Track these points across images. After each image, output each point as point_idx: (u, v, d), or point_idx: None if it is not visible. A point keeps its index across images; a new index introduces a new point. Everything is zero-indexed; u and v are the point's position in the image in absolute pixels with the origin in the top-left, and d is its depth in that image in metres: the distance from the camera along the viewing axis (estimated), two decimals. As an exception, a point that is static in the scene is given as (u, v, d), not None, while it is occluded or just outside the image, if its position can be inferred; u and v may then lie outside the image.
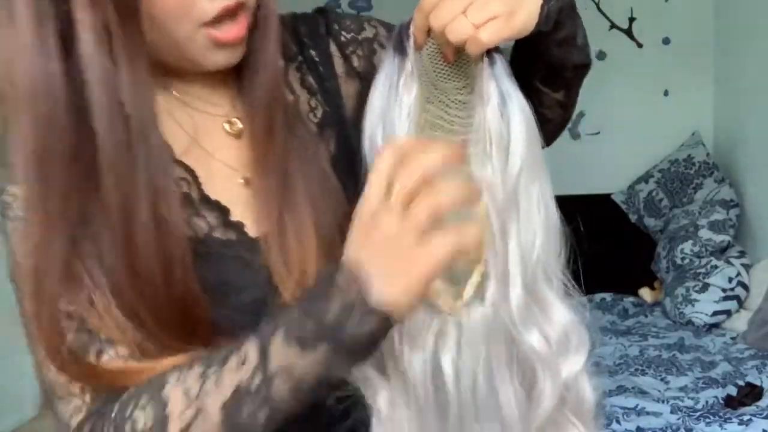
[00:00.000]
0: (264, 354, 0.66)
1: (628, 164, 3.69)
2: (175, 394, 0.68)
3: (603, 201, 3.68)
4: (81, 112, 0.68)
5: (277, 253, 0.77)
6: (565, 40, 0.78)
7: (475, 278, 0.71)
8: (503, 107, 0.72)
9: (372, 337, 0.65)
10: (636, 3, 3.68)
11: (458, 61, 0.74)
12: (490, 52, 0.71)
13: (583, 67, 0.84)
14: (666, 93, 3.73)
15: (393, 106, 0.74)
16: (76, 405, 0.73)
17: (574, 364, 0.76)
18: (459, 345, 0.71)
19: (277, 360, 0.66)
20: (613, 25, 3.71)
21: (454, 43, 0.70)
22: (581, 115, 3.76)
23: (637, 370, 2.61)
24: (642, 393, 2.42)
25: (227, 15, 0.73)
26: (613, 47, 3.71)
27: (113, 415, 0.70)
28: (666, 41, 3.71)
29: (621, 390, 2.44)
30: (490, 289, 0.70)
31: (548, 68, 0.81)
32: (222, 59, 0.76)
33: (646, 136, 3.71)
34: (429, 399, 0.71)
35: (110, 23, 0.67)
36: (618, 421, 2.21)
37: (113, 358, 0.72)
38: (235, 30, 0.74)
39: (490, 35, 0.69)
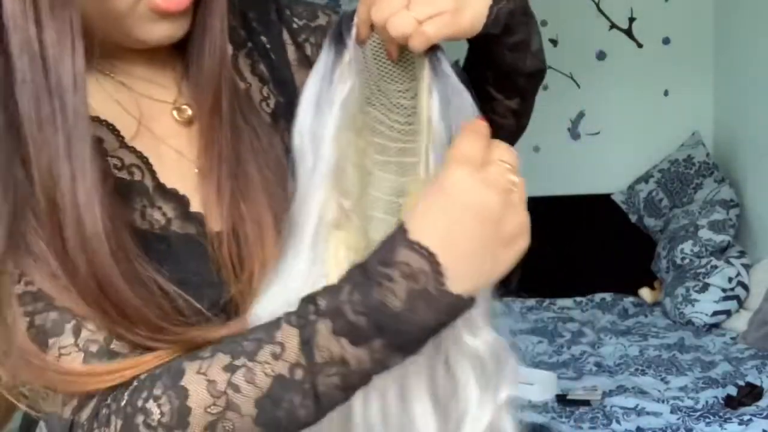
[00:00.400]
0: (307, 347, 0.61)
1: (628, 164, 3.69)
2: (196, 387, 0.63)
3: (603, 201, 3.68)
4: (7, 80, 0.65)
5: (236, 246, 0.73)
6: (517, 45, 0.76)
7: None
8: (444, 107, 0.68)
9: (438, 327, 0.61)
10: (636, 3, 3.68)
11: (402, 61, 0.70)
12: (433, 49, 0.68)
13: (538, 75, 0.82)
14: (666, 93, 3.73)
15: (325, 99, 0.70)
16: None
17: (502, 391, 0.68)
18: None
19: (323, 355, 0.61)
20: (613, 25, 3.71)
21: (395, 38, 0.66)
22: (581, 115, 3.77)
23: (637, 370, 2.61)
24: (642, 393, 2.42)
25: None
26: (613, 47, 3.71)
27: (122, 404, 0.64)
28: (666, 41, 3.71)
29: (621, 390, 2.44)
30: None
31: (500, 74, 0.79)
32: (164, 32, 0.71)
33: (646, 136, 3.71)
34: (332, 422, 0.65)
35: None
36: (618, 421, 2.21)
37: (93, 334, 0.66)
38: (177, 1, 0.70)
39: (435, 30, 0.65)
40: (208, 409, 0.62)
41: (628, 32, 3.72)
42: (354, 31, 0.69)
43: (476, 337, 0.67)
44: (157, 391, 0.63)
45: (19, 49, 0.64)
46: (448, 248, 0.59)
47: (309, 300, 0.63)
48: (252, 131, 0.77)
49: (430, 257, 0.59)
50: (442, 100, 0.67)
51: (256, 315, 0.67)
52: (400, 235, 0.61)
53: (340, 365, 0.61)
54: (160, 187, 0.74)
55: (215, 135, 0.74)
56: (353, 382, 0.62)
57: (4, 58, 0.64)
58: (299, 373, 0.61)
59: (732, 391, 2.35)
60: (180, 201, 0.74)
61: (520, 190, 0.62)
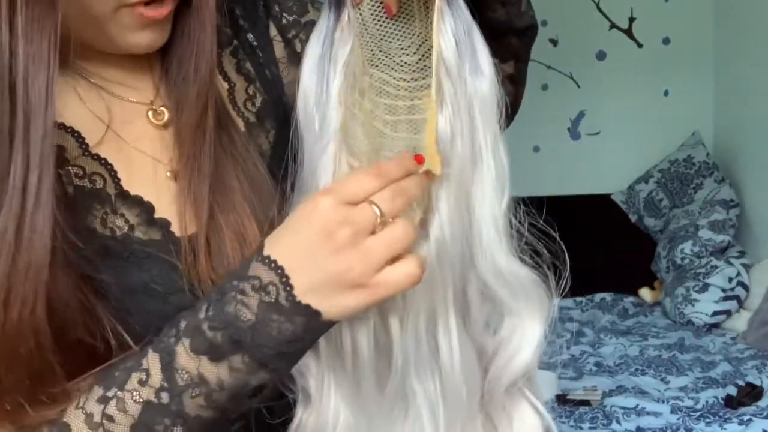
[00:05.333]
0: (168, 369, 0.62)
1: (628, 164, 3.69)
2: (76, 421, 0.63)
3: (603, 201, 3.68)
4: None
5: (209, 256, 0.71)
6: None
7: (417, 217, 0.66)
8: (466, 43, 0.68)
9: (294, 340, 0.61)
10: (636, 3, 3.68)
11: (401, 17, 0.70)
12: None
13: (530, 33, 0.80)
14: (666, 93, 3.73)
15: (327, 61, 0.69)
16: None
17: (538, 322, 0.71)
18: (405, 300, 0.66)
19: (183, 376, 0.61)
20: (613, 25, 3.71)
21: None
22: (581, 115, 3.76)
23: (637, 370, 2.61)
24: (642, 393, 2.42)
25: None
26: (613, 47, 3.71)
27: None
28: (666, 41, 3.71)
29: (621, 390, 2.44)
30: (435, 224, 0.66)
31: (495, 33, 0.76)
32: (146, 40, 0.70)
33: (646, 136, 3.71)
34: (369, 370, 0.67)
35: None
36: (618, 421, 2.21)
37: None
38: (160, 9, 0.68)
39: None
40: None
41: (628, 32, 3.72)
42: None
43: (507, 261, 0.69)
44: (45, 429, 0.64)
45: None
46: (296, 263, 0.60)
47: (173, 323, 0.64)
48: (230, 138, 0.75)
49: (278, 270, 0.60)
50: (456, 34, 0.67)
51: None
52: (256, 251, 0.62)
53: (202, 385, 0.61)
54: (123, 194, 0.72)
55: (196, 143, 0.72)
56: (220, 401, 0.62)
57: None
58: (165, 397, 0.62)
59: (732, 391, 2.35)
60: (144, 207, 0.72)
61: (383, 242, 0.60)
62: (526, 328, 0.71)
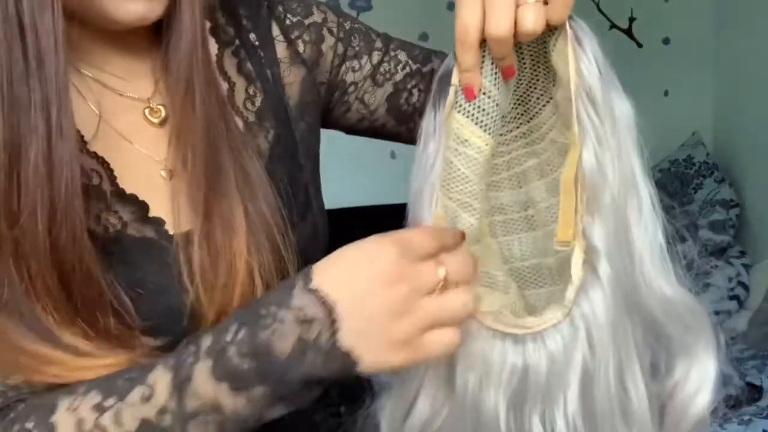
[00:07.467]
0: (178, 390, 0.59)
1: (628, 164, 3.69)
2: (64, 424, 0.61)
3: (603, 201, 3.67)
4: None
5: (203, 254, 0.69)
6: None
7: (577, 258, 0.59)
8: (604, 79, 0.63)
9: (324, 381, 0.58)
10: (636, 3, 3.68)
11: (524, 72, 0.67)
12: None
13: None
14: (666, 93, 3.73)
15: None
16: None
17: (712, 357, 0.63)
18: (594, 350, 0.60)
19: (197, 398, 0.58)
20: (613, 25, 3.71)
21: (532, 34, 0.60)
22: (581, 115, 3.76)
23: (637, 370, 2.61)
24: (642, 393, 2.42)
25: None
26: (613, 47, 3.69)
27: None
28: (666, 41, 3.71)
29: (621, 390, 2.43)
30: (601, 263, 0.59)
31: None
32: (136, 10, 0.66)
33: (646, 136, 3.69)
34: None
35: None
36: (618, 421, 2.21)
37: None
38: None
39: None
40: None
41: (628, 32, 3.71)
42: (459, 93, 0.63)
43: (675, 291, 0.63)
44: (28, 425, 0.62)
45: None
46: (346, 305, 0.56)
47: (192, 340, 0.61)
48: (230, 138, 0.73)
49: (327, 307, 0.56)
50: (596, 59, 0.64)
51: None
52: (301, 279, 0.58)
53: (215, 413, 0.58)
54: (118, 192, 0.71)
55: (189, 136, 0.70)
56: (228, 429, 0.60)
57: None
58: (168, 419, 0.59)
59: (732, 391, 2.35)
60: (138, 206, 0.72)
61: (435, 306, 0.58)
62: (702, 365, 0.63)
